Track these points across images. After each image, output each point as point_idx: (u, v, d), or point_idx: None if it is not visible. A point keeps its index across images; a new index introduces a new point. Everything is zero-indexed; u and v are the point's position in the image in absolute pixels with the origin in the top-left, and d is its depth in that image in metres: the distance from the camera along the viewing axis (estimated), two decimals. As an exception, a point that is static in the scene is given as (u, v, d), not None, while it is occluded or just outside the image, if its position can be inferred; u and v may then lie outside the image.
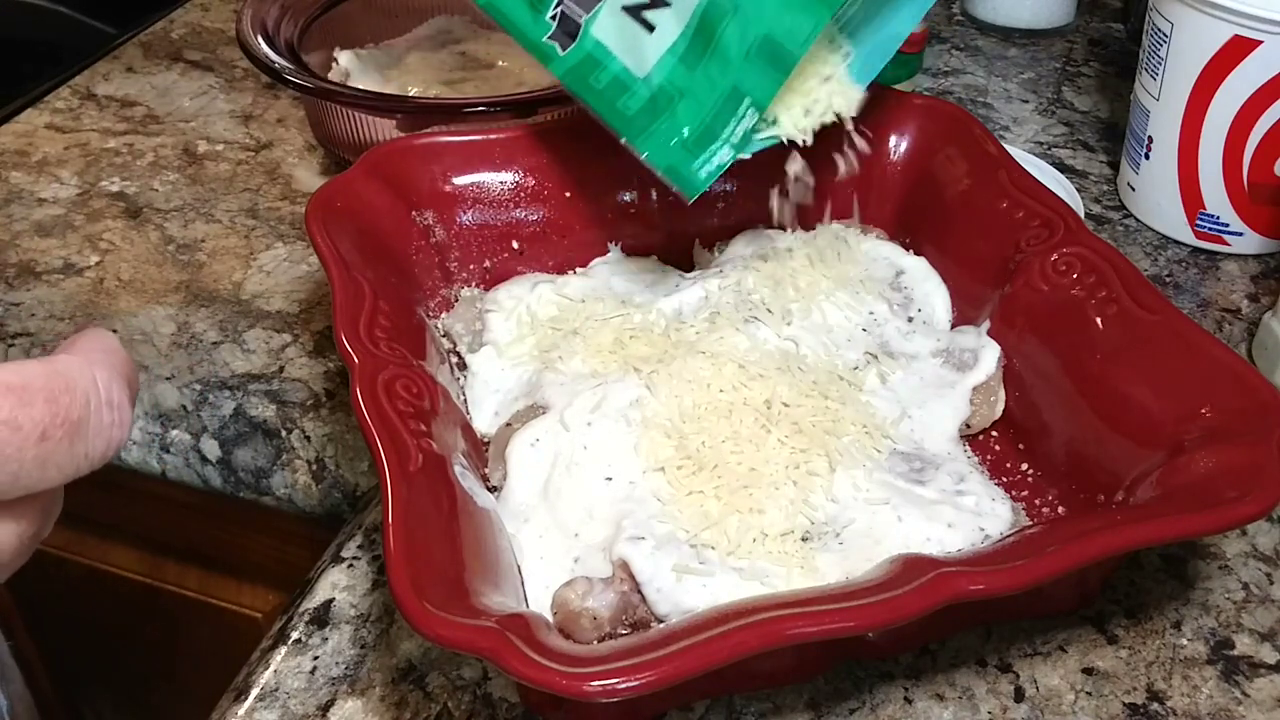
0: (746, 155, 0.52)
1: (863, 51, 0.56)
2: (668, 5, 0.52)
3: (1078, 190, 0.70)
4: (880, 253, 0.59)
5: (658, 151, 0.52)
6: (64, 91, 0.84)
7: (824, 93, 0.54)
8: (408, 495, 0.41)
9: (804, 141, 0.54)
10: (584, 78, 0.53)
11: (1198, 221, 0.69)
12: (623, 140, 0.53)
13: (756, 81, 0.50)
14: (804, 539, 0.46)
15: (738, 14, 0.50)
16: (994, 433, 0.54)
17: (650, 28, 0.52)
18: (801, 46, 0.49)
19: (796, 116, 0.54)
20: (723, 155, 0.51)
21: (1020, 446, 0.53)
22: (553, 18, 0.54)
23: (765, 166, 0.56)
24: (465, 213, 0.58)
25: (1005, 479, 0.52)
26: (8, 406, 0.28)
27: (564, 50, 0.54)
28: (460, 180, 0.58)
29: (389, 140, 0.59)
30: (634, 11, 0.52)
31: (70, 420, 0.30)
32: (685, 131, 0.51)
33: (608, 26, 0.53)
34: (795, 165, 0.55)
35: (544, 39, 0.54)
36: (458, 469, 0.45)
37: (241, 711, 0.46)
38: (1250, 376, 0.47)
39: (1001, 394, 0.54)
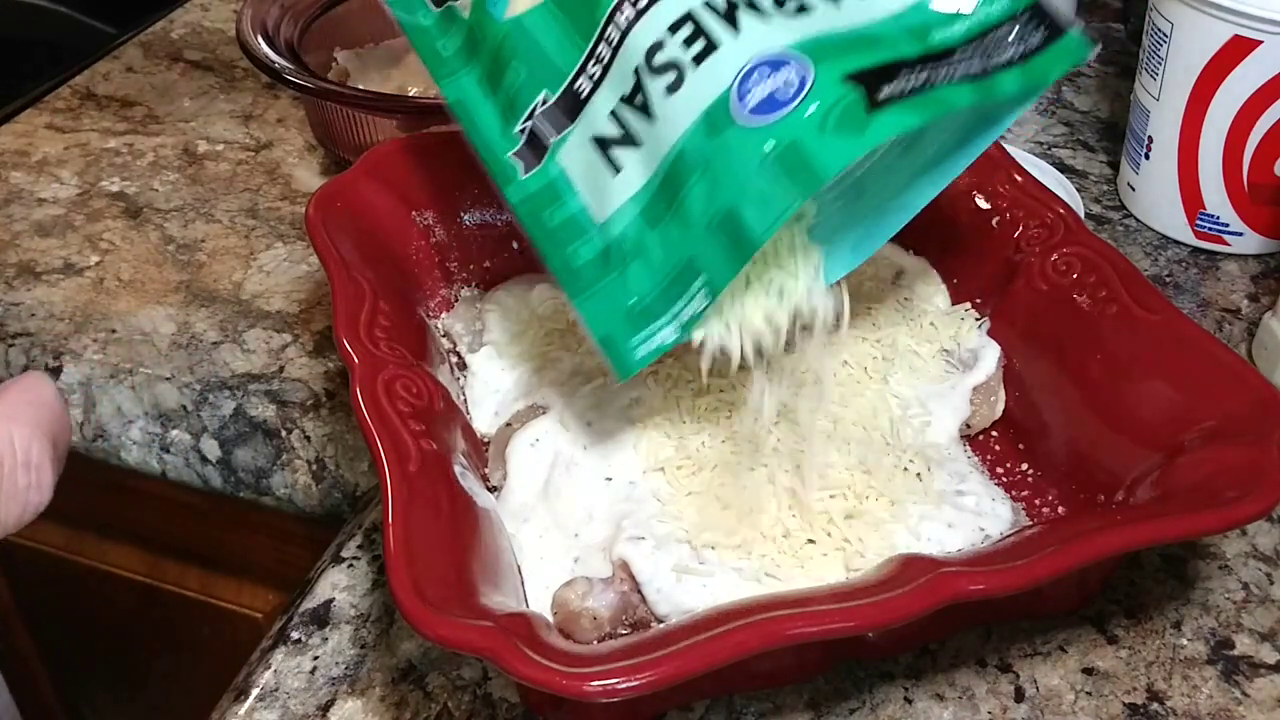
0: (693, 339, 0.44)
1: (846, 231, 0.49)
2: (638, 146, 0.44)
3: (1078, 190, 0.70)
4: (880, 253, 0.59)
5: (597, 316, 0.44)
6: (64, 91, 0.84)
7: (789, 274, 0.45)
8: (408, 495, 0.41)
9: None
10: (538, 211, 0.46)
11: (1198, 221, 0.69)
12: (564, 294, 0.46)
13: (714, 260, 0.41)
14: (804, 539, 0.46)
15: (707, 174, 0.41)
16: (994, 433, 0.54)
17: (617, 168, 0.44)
18: (767, 230, 0.40)
19: (745, 315, 0.45)
20: (665, 335, 0.44)
21: (1020, 446, 0.53)
22: (521, 132, 0.47)
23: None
24: (465, 213, 0.58)
25: (1005, 479, 0.52)
26: None
27: (526, 172, 0.46)
28: (460, 180, 0.58)
29: (389, 140, 0.59)
30: (603, 145, 0.45)
31: None
32: (633, 300, 0.44)
33: (575, 156, 0.45)
34: None
35: (508, 155, 0.47)
36: (458, 469, 0.45)
37: (241, 711, 0.46)
38: (1250, 376, 0.47)
39: (1001, 394, 0.54)
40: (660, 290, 0.43)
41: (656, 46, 0.43)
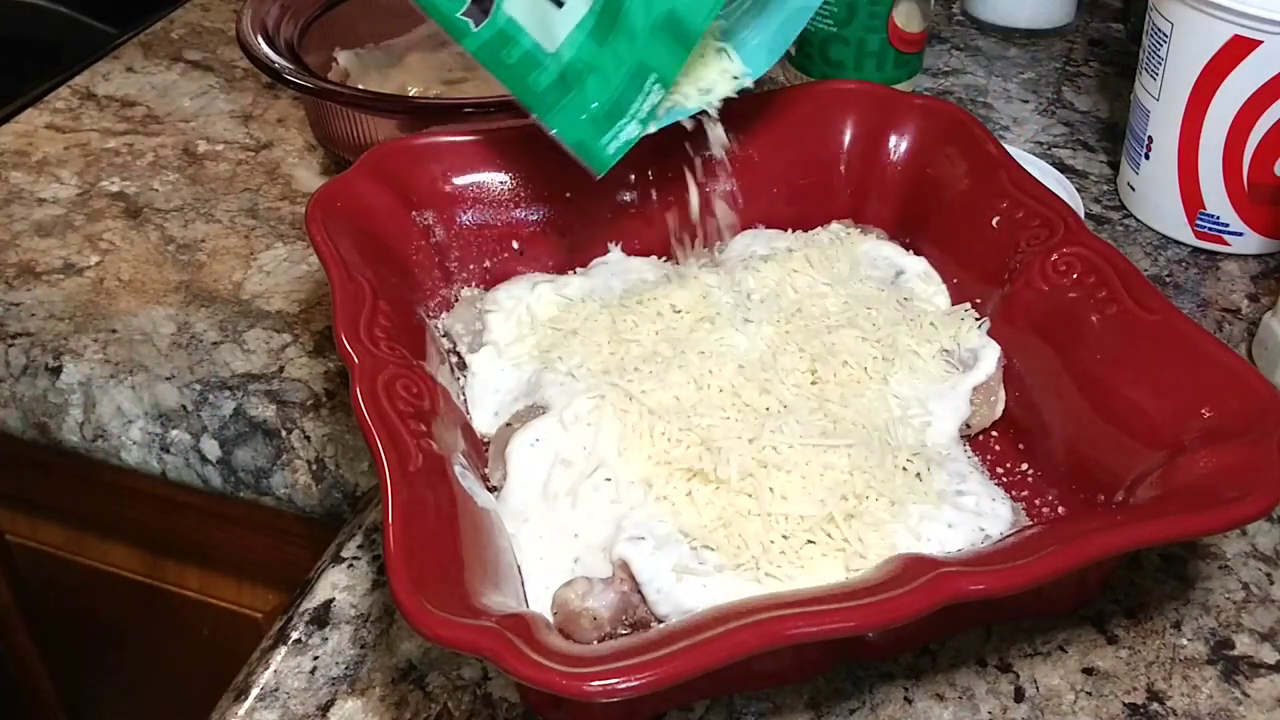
0: (653, 130, 0.54)
1: (760, 33, 0.58)
2: None
3: (1078, 190, 0.70)
4: (880, 253, 0.59)
5: (566, 127, 0.53)
6: (64, 91, 0.84)
7: (719, 70, 0.56)
8: (408, 495, 0.41)
9: (713, 112, 0.56)
10: (496, 53, 0.54)
11: (1198, 221, 0.69)
12: (533, 116, 0.54)
13: (661, 57, 0.51)
14: (804, 539, 0.46)
15: None
16: (994, 433, 0.54)
17: (559, 3, 0.53)
18: (704, 21, 0.50)
19: (697, 92, 0.55)
20: (630, 131, 0.53)
21: (1020, 446, 0.53)
22: None
23: (753, 165, 0.56)
24: (465, 213, 0.58)
25: (1005, 479, 0.52)
26: None
27: (477, 26, 0.54)
28: (460, 180, 0.58)
29: (389, 140, 0.59)
30: None
31: None
32: (594, 107, 0.52)
33: (519, 3, 0.53)
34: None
35: (458, 14, 0.54)
36: (458, 469, 0.45)
37: (241, 711, 0.46)
38: (1250, 376, 0.47)
39: (1001, 394, 0.54)
40: (618, 95, 0.52)
41: None
